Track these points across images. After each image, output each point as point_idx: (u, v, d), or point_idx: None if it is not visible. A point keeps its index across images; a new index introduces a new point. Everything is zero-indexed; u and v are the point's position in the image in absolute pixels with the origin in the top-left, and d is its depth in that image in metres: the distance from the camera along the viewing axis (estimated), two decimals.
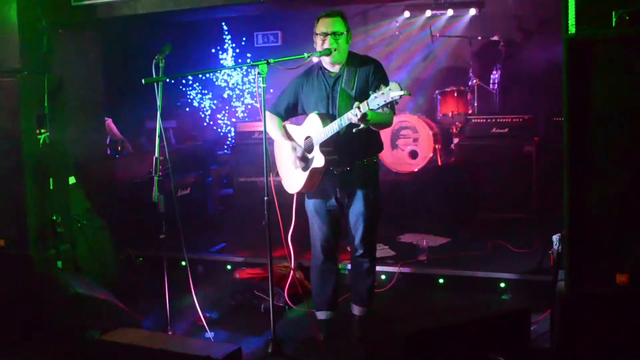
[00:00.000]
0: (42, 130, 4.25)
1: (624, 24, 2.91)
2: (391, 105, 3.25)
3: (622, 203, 3.00)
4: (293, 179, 3.90)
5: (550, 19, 7.17)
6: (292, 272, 4.05)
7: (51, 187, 4.29)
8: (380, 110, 3.23)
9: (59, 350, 3.82)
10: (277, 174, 4.06)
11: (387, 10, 8.06)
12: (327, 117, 3.64)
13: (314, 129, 3.69)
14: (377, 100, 3.18)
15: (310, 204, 3.92)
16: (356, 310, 3.96)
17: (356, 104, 3.31)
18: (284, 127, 3.97)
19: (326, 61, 3.76)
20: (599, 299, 3.04)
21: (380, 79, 3.62)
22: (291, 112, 3.96)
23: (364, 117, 3.29)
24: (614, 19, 2.93)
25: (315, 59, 3.75)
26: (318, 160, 3.67)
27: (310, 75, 3.84)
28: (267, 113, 3.95)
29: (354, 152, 3.70)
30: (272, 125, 3.95)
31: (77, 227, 4.60)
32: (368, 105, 3.23)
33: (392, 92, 3.13)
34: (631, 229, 2.98)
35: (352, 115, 3.32)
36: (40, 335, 3.95)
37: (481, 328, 3.21)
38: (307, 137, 3.76)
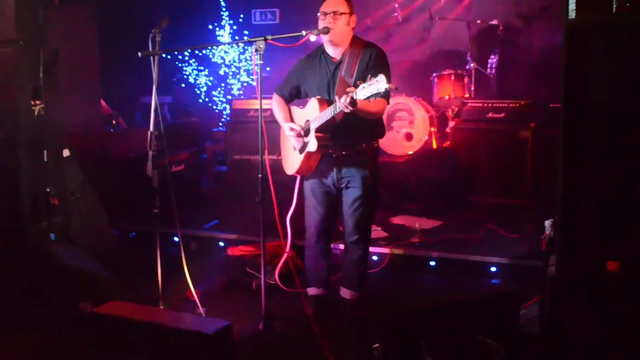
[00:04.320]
0: (37, 102, 4.23)
1: (625, 10, 2.90)
2: (384, 94, 3.25)
3: (615, 190, 3.01)
4: (291, 160, 3.92)
5: (550, 5, 7.13)
6: (286, 253, 4.05)
7: (45, 159, 4.27)
8: (370, 100, 3.24)
9: (51, 323, 3.84)
10: (279, 154, 4.08)
11: None
12: (326, 103, 3.65)
13: (312, 113, 3.71)
14: (364, 90, 3.19)
15: (307, 185, 3.94)
16: (346, 293, 3.98)
17: (345, 92, 3.31)
18: (289, 109, 3.98)
19: (327, 44, 3.75)
20: (589, 285, 3.06)
21: (376, 67, 3.59)
22: (295, 95, 3.99)
23: (352, 105, 3.29)
24: (614, 5, 2.92)
25: (313, 38, 3.73)
26: (312, 144, 3.69)
27: (314, 60, 3.84)
28: (274, 95, 4.04)
29: (351, 138, 3.71)
30: (276, 107, 4.01)
31: (71, 200, 4.59)
32: (356, 94, 3.23)
33: (378, 83, 3.14)
34: (623, 217, 3.00)
35: (341, 103, 3.33)
36: (32, 307, 3.96)
37: (471, 311, 3.23)
38: (307, 121, 3.77)
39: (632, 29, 2.91)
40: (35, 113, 4.20)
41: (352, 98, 3.25)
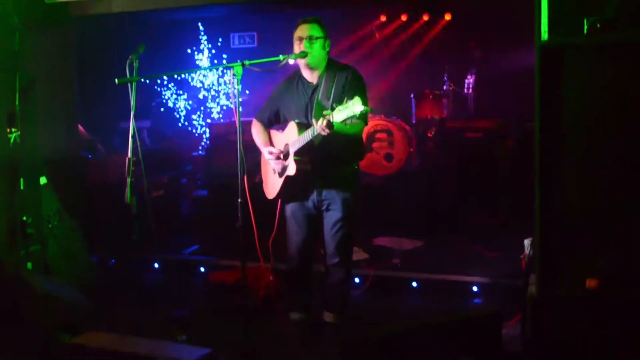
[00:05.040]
0: (13, 130, 4.18)
1: (595, 31, 2.96)
2: (361, 116, 3.27)
3: (592, 208, 3.05)
4: (271, 184, 3.92)
5: (524, 26, 7.24)
6: (269, 277, 4.02)
7: (22, 187, 4.22)
8: (347, 122, 3.25)
9: (28, 353, 3.76)
10: (259, 178, 4.07)
11: (365, 13, 8.09)
12: (304, 127, 3.65)
13: (291, 137, 3.72)
14: (340, 113, 3.21)
15: (288, 208, 3.93)
16: (329, 317, 3.95)
17: (322, 115, 3.33)
18: (268, 133, 3.99)
19: (303, 68, 3.77)
20: (569, 303, 3.07)
21: (352, 90, 3.59)
22: (274, 120, 4.00)
23: (329, 128, 3.29)
24: (585, 27, 2.98)
25: (291, 62, 3.75)
26: (291, 168, 3.69)
27: (291, 84, 3.86)
28: (253, 120, 4.06)
29: (331, 160, 3.70)
30: (255, 132, 4.02)
31: (48, 228, 4.54)
32: (333, 117, 3.25)
33: (354, 106, 3.16)
34: (601, 234, 3.03)
35: (318, 126, 3.34)
36: (9, 337, 3.88)
37: (453, 331, 3.22)
38: (285, 144, 3.78)
39: (603, 50, 2.97)
40: (11, 141, 4.16)
41: (328, 121, 3.26)
